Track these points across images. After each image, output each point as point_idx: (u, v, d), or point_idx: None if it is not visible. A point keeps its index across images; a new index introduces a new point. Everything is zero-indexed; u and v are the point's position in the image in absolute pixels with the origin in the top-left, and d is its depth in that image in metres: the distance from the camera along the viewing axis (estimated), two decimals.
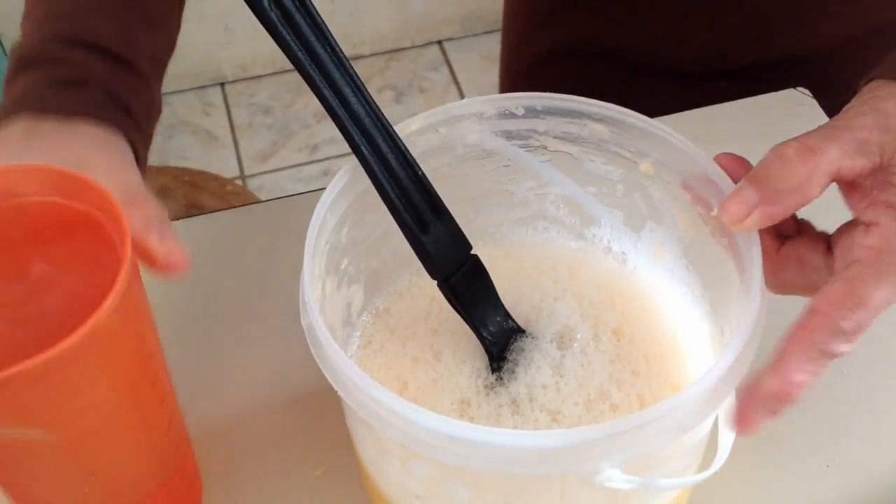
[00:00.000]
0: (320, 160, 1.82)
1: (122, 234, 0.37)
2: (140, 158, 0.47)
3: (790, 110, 0.68)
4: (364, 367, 0.45)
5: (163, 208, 0.43)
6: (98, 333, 0.34)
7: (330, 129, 0.41)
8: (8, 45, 1.79)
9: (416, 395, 0.44)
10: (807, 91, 0.68)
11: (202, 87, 1.94)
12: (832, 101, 0.68)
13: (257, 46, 1.87)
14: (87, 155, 0.44)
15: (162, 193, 1.19)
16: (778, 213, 0.38)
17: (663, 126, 0.43)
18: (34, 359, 0.33)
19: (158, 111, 0.51)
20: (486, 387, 0.44)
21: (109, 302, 0.34)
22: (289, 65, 0.39)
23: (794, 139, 0.39)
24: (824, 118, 0.67)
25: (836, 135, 0.38)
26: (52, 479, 0.40)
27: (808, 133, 0.39)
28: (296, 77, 0.40)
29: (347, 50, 0.39)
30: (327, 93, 0.40)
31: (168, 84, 0.51)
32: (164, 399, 0.42)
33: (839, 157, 0.38)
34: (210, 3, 1.84)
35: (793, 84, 0.69)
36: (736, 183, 0.40)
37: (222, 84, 1.96)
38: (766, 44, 0.72)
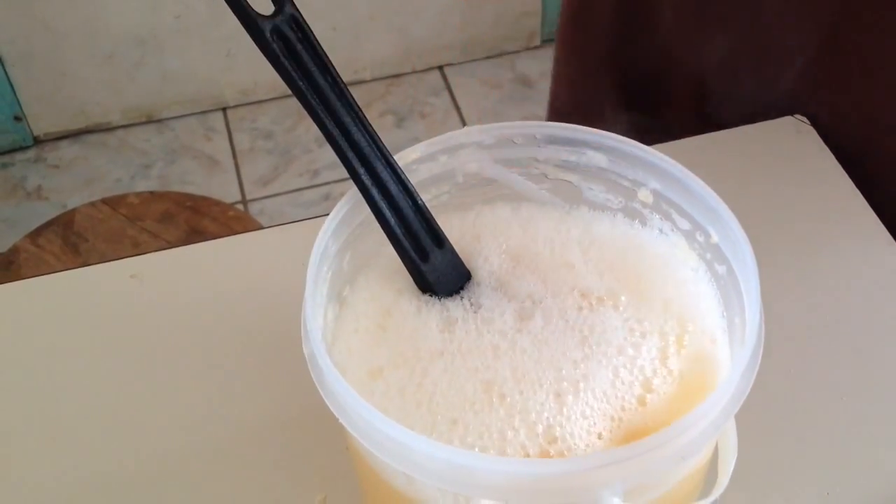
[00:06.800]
0: (321, 185, 1.83)
1: None
2: None
3: (788, 138, 0.68)
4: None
5: None
6: None
7: (331, 154, 0.41)
8: (8, 52, 1.81)
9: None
10: (804, 119, 0.69)
11: (204, 112, 1.95)
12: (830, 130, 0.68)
13: (259, 72, 1.88)
14: None
15: (164, 219, 1.19)
16: None
17: (661, 154, 0.44)
18: None
19: None
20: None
21: None
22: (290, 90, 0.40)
23: None
24: (822, 146, 0.67)
25: None
26: None
27: None
28: (297, 102, 0.41)
29: (349, 75, 0.40)
30: (328, 123, 0.40)
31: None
32: None
33: None
34: (212, 29, 1.86)
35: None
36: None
37: (224, 109, 1.97)
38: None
